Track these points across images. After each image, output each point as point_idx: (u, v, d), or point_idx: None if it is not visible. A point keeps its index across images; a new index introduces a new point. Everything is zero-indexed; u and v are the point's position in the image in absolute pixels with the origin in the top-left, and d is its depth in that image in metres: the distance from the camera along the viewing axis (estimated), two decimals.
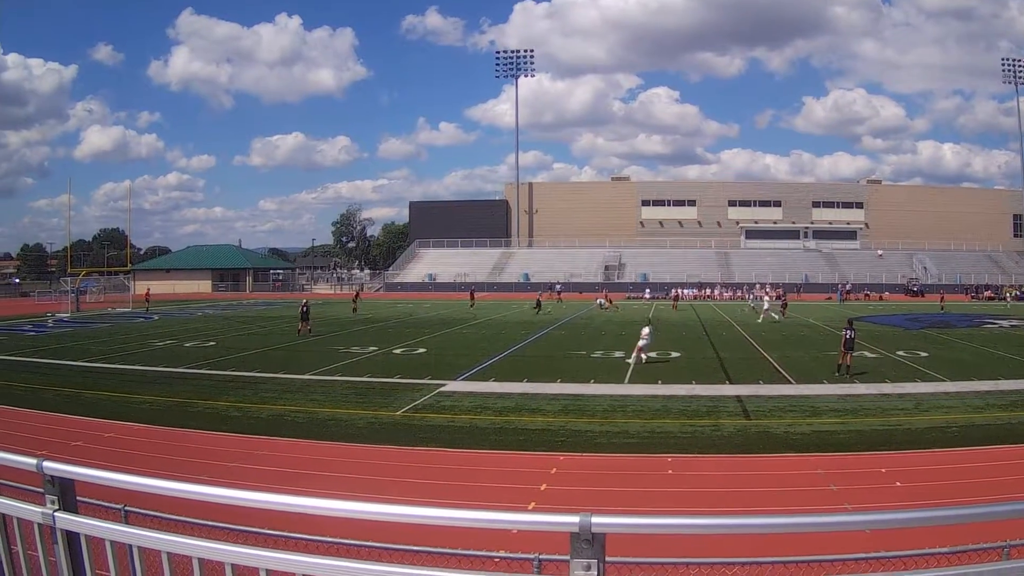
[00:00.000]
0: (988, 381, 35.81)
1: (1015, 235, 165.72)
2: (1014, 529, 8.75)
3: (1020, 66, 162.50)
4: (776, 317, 73.96)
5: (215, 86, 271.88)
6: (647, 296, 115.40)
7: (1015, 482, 19.95)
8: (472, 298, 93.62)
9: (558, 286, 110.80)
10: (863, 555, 8.91)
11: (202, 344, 52.05)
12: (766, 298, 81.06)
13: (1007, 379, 36.45)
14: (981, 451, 23.50)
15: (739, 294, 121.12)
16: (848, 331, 38.62)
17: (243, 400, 31.22)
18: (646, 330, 42.89)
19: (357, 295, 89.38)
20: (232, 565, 4.35)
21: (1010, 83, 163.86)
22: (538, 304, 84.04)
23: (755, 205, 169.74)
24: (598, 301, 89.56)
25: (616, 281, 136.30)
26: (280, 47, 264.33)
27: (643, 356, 41.88)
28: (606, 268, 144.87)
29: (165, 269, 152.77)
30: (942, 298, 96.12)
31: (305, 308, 58.31)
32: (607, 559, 4.15)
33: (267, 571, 4.26)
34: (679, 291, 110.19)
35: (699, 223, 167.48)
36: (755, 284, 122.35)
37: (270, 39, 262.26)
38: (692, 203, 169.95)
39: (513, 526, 4.26)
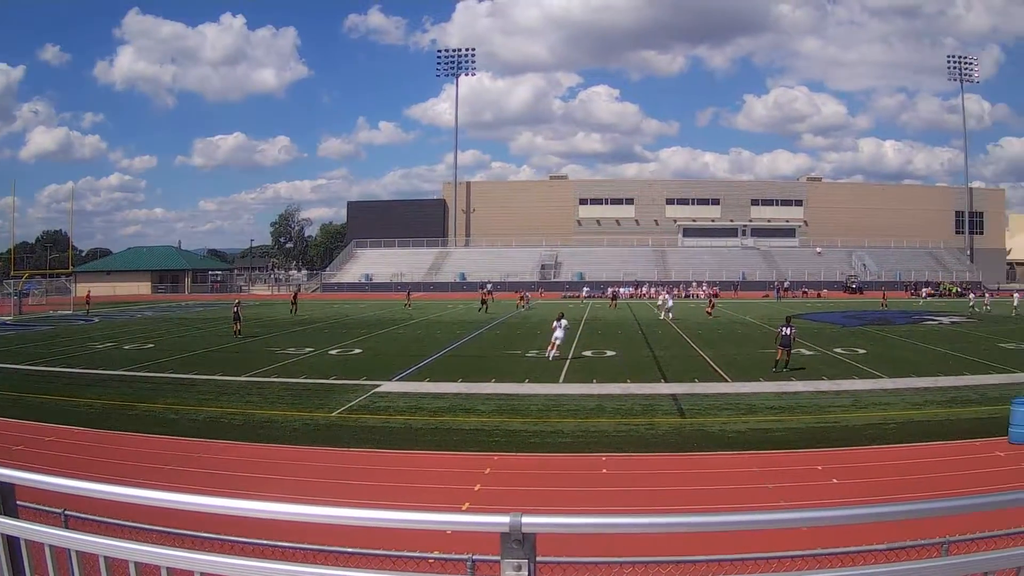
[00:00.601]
0: (927, 378, 36.13)
1: (957, 232, 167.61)
2: (953, 525, 8.60)
3: (966, 63, 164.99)
4: (668, 317, 73.41)
5: (159, 86, 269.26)
6: (584, 295, 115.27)
7: (955, 478, 20.08)
8: (408, 298, 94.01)
9: (488, 285, 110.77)
10: (799, 552, 8.75)
11: (141, 346, 51.44)
12: (670, 297, 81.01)
13: (947, 376, 36.81)
14: (920, 447, 23.66)
15: (643, 292, 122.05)
16: (785, 328, 38.90)
17: (181, 402, 31.08)
18: (563, 323, 43.37)
19: (295, 296, 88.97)
20: (168, 568, 4.22)
21: (955, 80, 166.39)
22: (483, 303, 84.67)
23: (693, 203, 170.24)
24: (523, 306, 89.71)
25: (552, 280, 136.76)
26: (224, 46, 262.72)
27: (553, 351, 42.60)
28: (542, 267, 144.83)
29: (106, 271, 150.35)
30: (883, 295, 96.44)
31: (237, 309, 57.84)
32: (538, 559, 4.00)
33: (202, 574, 4.11)
34: (616, 289, 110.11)
35: (637, 221, 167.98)
36: (661, 284, 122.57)
37: (214, 39, 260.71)
38: (630, 201, 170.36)
39: (442, 527, 4.08)
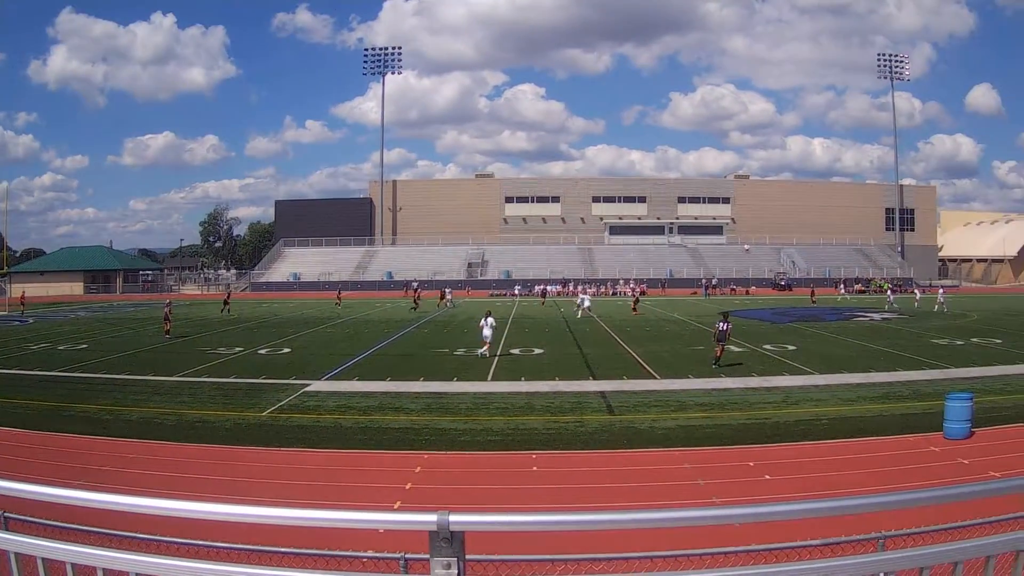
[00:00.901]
0: (859, 374, 36.47)
1: (888, 229, 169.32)
2: (889, 521, 8.58)
3: (897, 62, 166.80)
4: (579, 315, 74.24)
5: (90, 85, 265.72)
6: (517, 292, 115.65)
7: (890, 474, 20.14)
8: (339, 297, 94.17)
9: (415, 283, 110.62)
10: (733, 549, 8.70)
11: (75, 347, 50.80)
12: (588, 296, 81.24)
13: (879, 372, 37.15)
14: (853, 443, 23.76)
15: (570, 289, 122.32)
16: (722, 323, 39.51)
17: (115, 403, 30.75)
18: (490, 320, 43.48)
19: (228, 296, 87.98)
20: (103, 570, 4.22)
21: (885, 78, 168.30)
22: (415, 302, 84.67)
23: (620, 201, 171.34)
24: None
25: (479, 278, 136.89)
26: (154, 45, 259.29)
27: (484, 349, 42.85)
28: (469, 265, 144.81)
29: (39, 271, 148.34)
30: (813, 292, 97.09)
31: (167, 309, 57.44)
32: (468, 557, 4.03)
33: (135, 575, 4.11)
34: (545, 287, 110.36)
35: (563, 220, 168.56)
36: (579, 282, 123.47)
37: (145, 37, 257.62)
38: (556, 200, 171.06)
39: (371, 525, 4.10)
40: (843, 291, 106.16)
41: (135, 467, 21.09)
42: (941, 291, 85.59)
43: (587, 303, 76.67)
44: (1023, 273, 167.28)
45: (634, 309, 77.29)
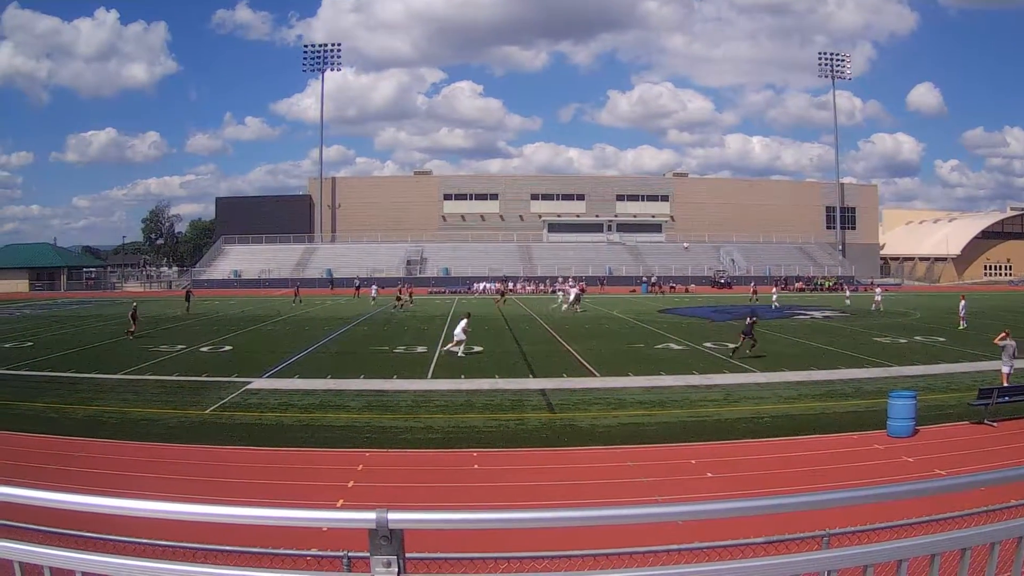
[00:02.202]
0: (800, 372, 36.84)
1: (829, 227, 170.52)
2: (834, 518, 8.64)
3: (838, 60, 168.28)
4: (564, 308, 75.66)
5: (34, 81, 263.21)
6: (481, 290, 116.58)
7: (833, 471, 20.40)
8: (297, 294, 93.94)
9: (357, 281, 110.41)
10: (677, 547, 8.72)
11: (20, 344, 50.20)
12: (572, 290, 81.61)
13: (820, 369, 37.54)
14: (796, 441, 24.02)
15: (542, 287, 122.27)
16: (750, 318, 41.97)
17: (60, 401, 30.46)
18: (463, 323, 43.60)
19: (188, 294, 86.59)
20: (51, 568, 4.22)
21: (826, 77, 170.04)
22: (398, 299, 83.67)
23: (558, 199, 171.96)
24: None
25: (418, 276, 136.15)
26: (98, 42, 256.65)
27: (458, 348, 42.66)
28: (408, 263, 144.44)
29: None
30: (754, 291, 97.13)
31: (134, 309, 56.92)
32: (409, 555, 4.06)
33: (83, 573, 4.12)
34: (505, 285, 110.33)
35: (501, 217, 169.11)
36: (558, 279, 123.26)
37: (88, 33, 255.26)
38: (494, 197, 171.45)
39: (309, 524, 4.15)
40: (774, 290, 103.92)
41: (81, 466, 21.01)
42: (879, 290, 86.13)
43: (572, 297, 77.55)
44: (967, 271, 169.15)
45: (576, 307, 77.40)
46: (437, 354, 43.55)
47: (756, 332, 41.55)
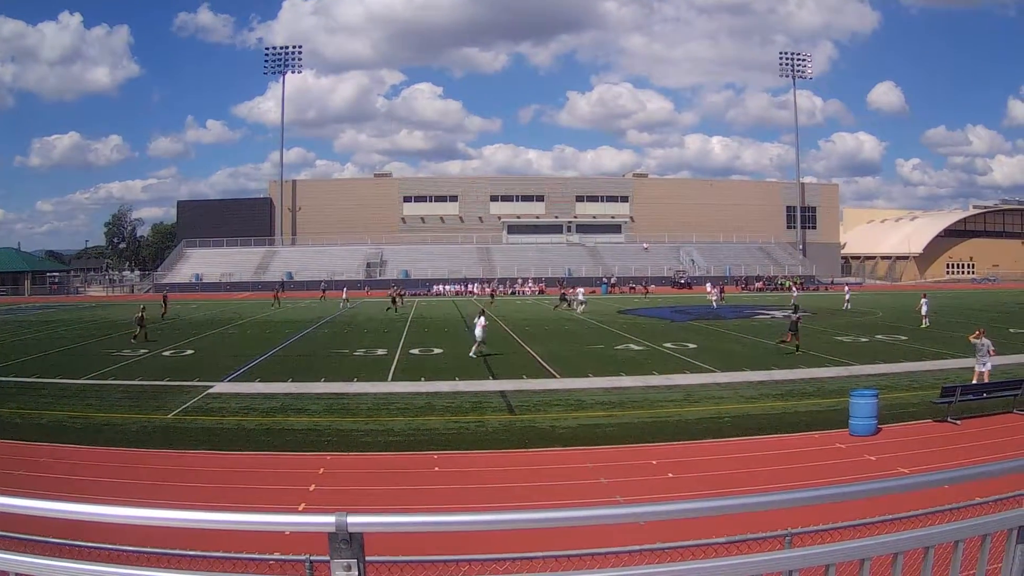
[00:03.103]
0: (761, 371, 37.01)
1: (789, 227, 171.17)
2: (796, 517, 8.65)
3: (799, 60, 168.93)
4: (580, 309, 76.39)
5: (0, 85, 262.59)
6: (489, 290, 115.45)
7: (796, 471, 20.52)
8: (276, 297, 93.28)
9: (323, 284, 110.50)
10: (638, 547, 8.71)
11: None
12: (581, 291, 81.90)
13: (781, 369, 37.75)
14: (758, 441, 24.16)
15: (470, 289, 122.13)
16: (794, 315, 44.01)
17: (25, 406, 30.46)
18: (481, 320, 43.70)
19: (165, 298, 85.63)
20: (16, 574, 4.14)
21: (787, 76, 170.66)
22: (394, 302, 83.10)
23: (518, 200, 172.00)
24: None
25: (378, 278, 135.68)
26: (62, 45, 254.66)
27: (480, 347, 42.89)
28: (367, 265, 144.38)
29: None
30: (721, 290, 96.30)
31: (142, 313, 56.46)
32: (369, 558, 4.12)
33: None
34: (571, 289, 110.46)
35: (461, 219, 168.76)
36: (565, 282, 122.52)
37: (53, 37, 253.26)
38: (454, 199, 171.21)
39: (269, 528, 4.10)
40: (716, 291, 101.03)
41: (45, 471, 20.95)
42: (847, 289, 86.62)
43: (581, 297, 78.46)
44: (929, 270, 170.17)
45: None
46: (397, 356, 43.56)
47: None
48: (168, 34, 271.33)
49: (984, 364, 31.15)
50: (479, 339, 43.01)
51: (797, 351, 42.76)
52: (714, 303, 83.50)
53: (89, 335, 57.89)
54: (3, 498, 4.24)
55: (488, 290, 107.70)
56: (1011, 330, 36.53)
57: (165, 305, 79.04)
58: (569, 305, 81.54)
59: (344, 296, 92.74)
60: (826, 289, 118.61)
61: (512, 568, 8.73)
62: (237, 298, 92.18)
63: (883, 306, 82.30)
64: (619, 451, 22.95)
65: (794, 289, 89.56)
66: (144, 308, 58.64)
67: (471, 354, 42.42)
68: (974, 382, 30.33)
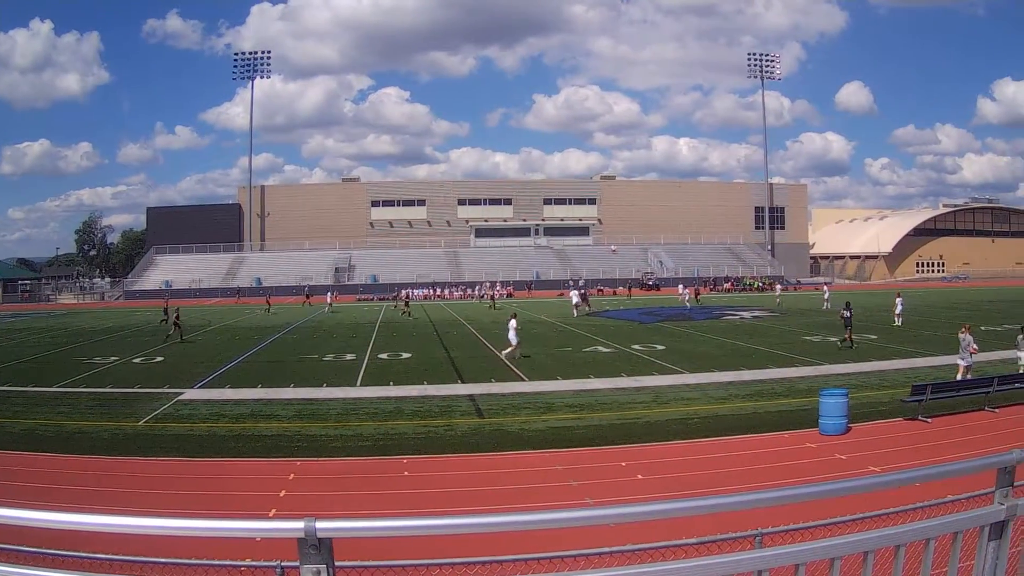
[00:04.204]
0: (730, 372, 37.10)
1: (758, 227, 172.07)
2: (766, 517, 8.64)
3: (767, 61, 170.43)
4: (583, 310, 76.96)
5: None
6: (478, 293, 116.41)
7: (766, 471, 20.58)
8: (268, 302, 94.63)
9: (307, 289, 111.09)
10: (607, 549, 8.68)
11: None
12: (575, 293, 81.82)
13: (750, 369, 37.89)
14: (726, 441, 24.19)
15: (476, 292, 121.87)
16: (845, 311, 45.32)
17: None
18: (512, 323, 43.15)
19: (167, 308, 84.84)
20: None
21: (755, 77, 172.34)
22: (406, 304, 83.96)
23: (485, 203, 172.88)
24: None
25: (346, 283, 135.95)
26: (33, 52, 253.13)
27: (517, 351, 42.64)
28: (336, 270, 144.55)
29: None
30: (697, 292, 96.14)
31: (171, 314, 57.05)
32: (338, 563, 4.18)
33: None
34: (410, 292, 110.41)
35: (429, 223, 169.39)
36: (569, 283, 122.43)
37: (24, 44, 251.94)
38: (422, 203, 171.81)
39: (238, 534, 4.18)
40: (681, 290, 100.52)
41: (16, 480, 20.86)
42: (826, 288, 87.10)
43: (575, 300, 78.08)
44: (898, 269, 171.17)
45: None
46: (365, 361, 43.61)
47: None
48: (137, 40, 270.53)
49: (965, 359, 31.67)
50: (514, 343, 42.58)
51: (851, 346, 44.61)
52: (687, 303, 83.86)
53: (61, 343, 57.84)
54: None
55: (488, 294, 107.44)
56: (983, 328, 36.81)
57: (167, 313, 78.71)
58: (589, 305, 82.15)
59: (329, 300, 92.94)
60: (795, 289, 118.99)
61: (481, 572, 8.69)
62: (206, 304, 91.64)
63: (852, 305, 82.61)
64: (588, 453, 22.97)
65: (825, 289, 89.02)
66: (178, 309, 59.93)
67: (506, 357, 42.22)
68: (958, 377, 30.81)
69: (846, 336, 45.29)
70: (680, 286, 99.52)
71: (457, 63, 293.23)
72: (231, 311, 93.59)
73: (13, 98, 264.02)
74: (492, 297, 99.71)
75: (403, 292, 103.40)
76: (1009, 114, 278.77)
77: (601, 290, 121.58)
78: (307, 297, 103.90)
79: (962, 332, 32.67)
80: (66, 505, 17.12)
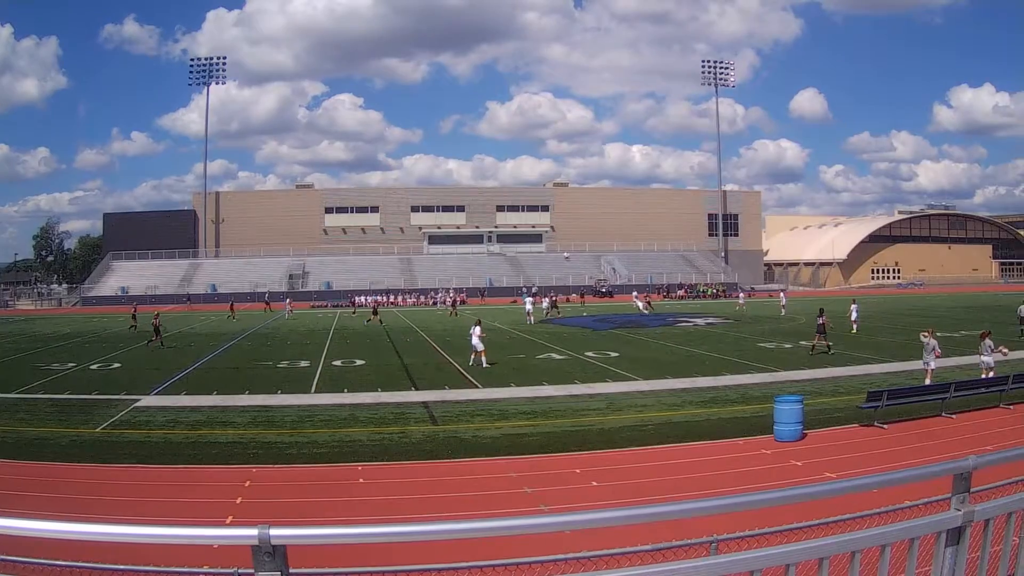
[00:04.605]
0: (684, 379, 37.22)
1: (711, 234, 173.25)
2: (721, 523, 8.62)
3: (721, 68, 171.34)
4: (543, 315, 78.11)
5: None
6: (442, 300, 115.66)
7: (721, 477, 20.45)
8: (232, 309, 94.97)
9: (267, 295, 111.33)
10: (562, 556, 8.65)
11: None
12: (529, 301, 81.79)
13: (704, 376, 37.96)
14: (682, 448, 24.22)
15: (423, 299, 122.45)
16: (819, 318, 45.83)
17: None
18: (476, 330, 43.09)
19: (136, 314, 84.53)
20: None
21: (709, 85, 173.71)
22: (374, 312, 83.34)
23: (438, 210, 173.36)
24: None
25: (300, 290, 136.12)
26: None
27: (482, 359, 42.55)
28: (290, 277, 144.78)
29: None
30: (648, 299, 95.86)
31: (140, 320, 56.79)
32: (293, 571, 4.27)
33: None
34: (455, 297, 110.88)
35: (382, 229, 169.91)
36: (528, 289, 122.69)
37: None
38: (375, 209, 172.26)
39: (193, 541, 4.24)
40: (639, 298, 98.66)
41: None
42: (783, 295, 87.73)
43: (529, 307, 77.93)
44: (853, 275, 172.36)
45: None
46: (320, 368, 43.65)
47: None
48: (95, 45, 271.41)
49: (928, 363, 32.51)
50: (478, 349, 42.60)
51: (813, 351, 45.57)
52: (643, 309, 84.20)
53: (19, 349, 57.79)
54: None
55: (450, 299, 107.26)
56: (938, 334, 37.12)
57: (135, 319, 78.27)
58: (558, 310, 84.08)
59: (287, 307, 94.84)
60: (748, 296, 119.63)
61: None
62: (163, 311, 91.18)
63: (806, 312, 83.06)
64: (543, 460, 22.97)
65: (782, 296, 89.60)
66: (158, 315, 59.49)
67: (472, 363, 42.36)
68: (927, 382, 31.61)
69: (823, 342, 45.62)
70: (634, 293, 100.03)
71: (410, 70, 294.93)
72: (186, 318, 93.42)
73: None
74: (453, 303, 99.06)
75: (370, 299, 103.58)
76: (965, 121, 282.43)
77: (556, 297, 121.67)
78: (267, 304, 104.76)
79: (925, 336, 33.11)
80: (24, 512, 16.94)
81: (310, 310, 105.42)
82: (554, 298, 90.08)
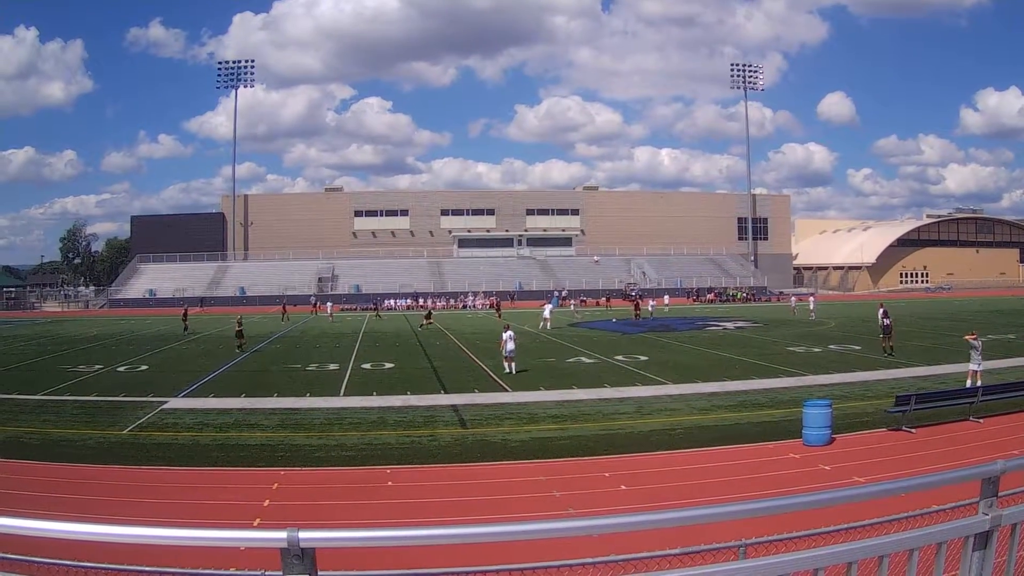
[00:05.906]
0: (714, 383, 37.04)
1: (741, 238, 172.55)
2: (750, 528, 8.60)
3: (750, 72, 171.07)
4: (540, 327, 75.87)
5: None
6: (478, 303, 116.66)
7: (749, 481, 20.48)
8: (284, 311, 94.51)
9: (313, 298, 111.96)
10: (590, 560, 8.63)
11: None
12: (548, 308, 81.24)
13: (733, 380, 37.84)
14: (709, 452, 24.15)
15: (452, 303, 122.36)
16: (884, 318, 45.91)
17: None
18: (510, 333, 42.69)
19: (186, 313, 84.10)
20: None
21: (738, 88, 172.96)
22: (428, 317, 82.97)
23: (468, 214, 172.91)
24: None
25: (329, 293, 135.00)
26: (18, 60, 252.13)
27: (511, 364, 42.04)
28: (319, 279, 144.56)
29: None
30: (637, 306, 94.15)
31: (239, 326, 57.39)
32: (321, 573, 4.28)
33: None
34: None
35: (412, 233, 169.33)
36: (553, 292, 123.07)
37: (9, 52, 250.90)
38: (404, 213, 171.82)
39: (220, 544, 4.24)
40: (633, 300, 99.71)
41: (2, 487, 20.74)
42: (812, 299, 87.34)
43: (546, 313, 76.73)
44: (882, 279, 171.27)
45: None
46: (349, 371, 43.59)
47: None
48: (120, 49, 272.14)
49: (977, 364, 33.02)
50: (510, 354, 41.96)
51: (891, 353, 45.42)
52: (652, 312, 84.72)
53: (45, 351, 57.88)
54: None
55: (491, 302, 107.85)
56: (966, 338, 37.00)
57: (186, 320, 78.25)
58: (640, 313, 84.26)
59: (329, 311, 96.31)
60: (777, 300, 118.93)
61: None
62: (192, 314, 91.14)
63: (836, 316, 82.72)
64: (572, 464, 22.94)
65: (811, 300, 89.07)
66: (241, 321, 59.71)
67: (508, 370, 41.63)
68: (968, 383, 31.88)
69: (887, 343, 45.87)
70: (664, 296, 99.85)
71: (439, 73, 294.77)
72: (214, 321, 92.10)
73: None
74: (497, 306, 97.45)
75: (427, 303, 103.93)
76: (992, 124, 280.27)
77: (584, 301, 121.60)
78: (314, 307, 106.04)
79: (970, 338, 33.36)
80: (51, 513, 17.00)
81: (339, 313, 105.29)
82: (581, 300, 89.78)
